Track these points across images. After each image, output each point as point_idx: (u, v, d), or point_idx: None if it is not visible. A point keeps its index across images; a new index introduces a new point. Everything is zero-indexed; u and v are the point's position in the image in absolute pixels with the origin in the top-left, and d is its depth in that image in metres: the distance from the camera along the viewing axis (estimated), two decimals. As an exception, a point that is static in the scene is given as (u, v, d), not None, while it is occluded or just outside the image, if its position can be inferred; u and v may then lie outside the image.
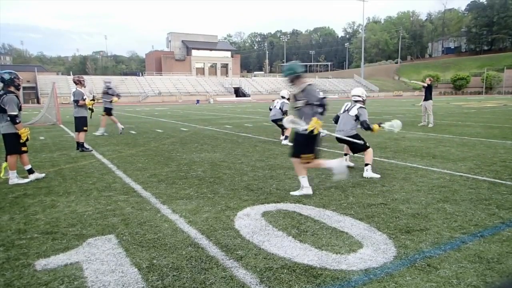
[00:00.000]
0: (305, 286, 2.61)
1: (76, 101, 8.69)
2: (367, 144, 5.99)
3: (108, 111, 12.41)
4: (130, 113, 25.30)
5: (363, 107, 6.12)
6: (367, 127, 5.89)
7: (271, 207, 4.37)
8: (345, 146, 6.38)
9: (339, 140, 6.17)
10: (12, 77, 5.64)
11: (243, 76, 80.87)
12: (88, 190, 5.22)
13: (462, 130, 12.02)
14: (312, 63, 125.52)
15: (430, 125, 13.29)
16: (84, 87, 8.98)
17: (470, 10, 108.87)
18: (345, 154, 6.54)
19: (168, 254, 3.15)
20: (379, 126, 6.02)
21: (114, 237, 3.53)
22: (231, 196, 4.85)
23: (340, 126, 6.17)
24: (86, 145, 8.87)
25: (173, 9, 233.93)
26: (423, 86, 13.91)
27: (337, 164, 4.86)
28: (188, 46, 76.76)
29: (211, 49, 79.00)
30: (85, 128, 8.70)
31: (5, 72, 5.67)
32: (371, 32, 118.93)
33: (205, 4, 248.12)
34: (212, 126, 14.72)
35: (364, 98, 6.23)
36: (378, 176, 5.77)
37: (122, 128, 12.46)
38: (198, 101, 50.30)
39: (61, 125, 15.69)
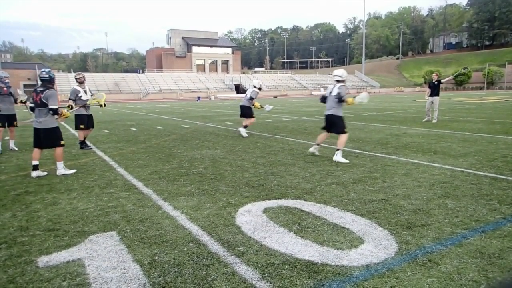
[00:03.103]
0: (307, 282, 2.62)
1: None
2: (345, 130, 6.76)
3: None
4: (131, 110, 25.31)
5: (343, 85, 6.82)
6: (340, 99, 6.66)
7: (272, 203, 4.37)
8: (322, 134, 7.08)
9: (327, 119, 6.95)
10: (54, 75, 6.26)
11: (243, 73, 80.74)
12: (90, 187, 5.23)
13: (464, 125, 12.00)
14: (313, 59, 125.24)
15: (434, 121, 13.25)
16: (80, 83, 8.51)
17: (472, 5, 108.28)
18: (317, 145, 7.22)
19: (169, 250, 3.15)
20: (353, 99, 6.86)
21: (115, 234, 3.54)
22: (232, 192, 4.85)
23: (328, 106, 6.91)
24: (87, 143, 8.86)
25: (173, 5, 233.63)
26: (435, 81, 13.66)
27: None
28: (189, 43, 76.60)
29: (211, 46, 78.84)
30: (81, 126, 8.59)
31: (49, 71, 6.18)
32: (372, 28, 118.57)
33: (205, 1, 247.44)
34: (213, 123, 14.71)
35: (343, 78, 6.87)
36: (347, 161, 6.51)
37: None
38: (199, 98, 50.26)
39: (62, 123, 15.69)
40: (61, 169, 6.12)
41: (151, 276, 2.73)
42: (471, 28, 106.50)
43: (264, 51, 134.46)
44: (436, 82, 13.50)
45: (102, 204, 4.46)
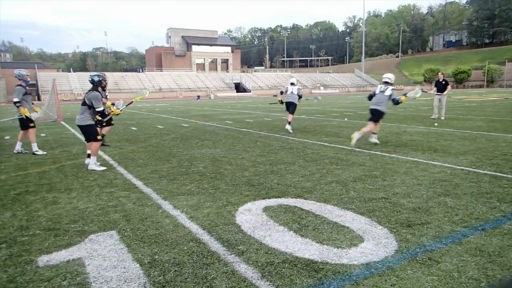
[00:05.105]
0: (306, 281, 2.62)
1: None
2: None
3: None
4: (131, 109, 25.29)
5: (394, 89, 8.12)
6: (397, 102, 8.03)
7: (272, 202, 4.37)
8: (370, 124, 8.12)
9: (373, 112, 8.16)
10: (100, 79, 6.49)
11: (243, 71, 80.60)
12: (90, 187, 5.23)
13: (463, 123, 11.99)
14: (312, 58, 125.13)
15: (442, 118, 13.51)
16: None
17: (472, 3, 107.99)
18: (373, 133, 8.28)
19: (169, 249, 3.16)
20: (405, 96, 8.19)
21: (115, 233, 3.54)
22: (232, 191, 4.85)
23: (378, 101, 8.09)
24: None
25: (172, 4, 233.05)
26: (442, 81, 13.82)
27: None
28: (188, 42, 76.49)
29: (211, 45, 78.72)
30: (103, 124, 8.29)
31: (95, 75, 6.51)
32: (371, 26, 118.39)
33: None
34: (213, 122, 14.70)
35: (392, 82, 8.20)
36: (379, 142, 8.01)
37: None
38: (198, 97, 50.23)
39: (62, 122, 15.69)
40: (92, 165, 6.31)
41: (151, 275, 2.74)
42: (471, 26, 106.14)
43: (263, 49, 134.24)
44: (443, 82, 13.67)
45: (102, 203, 4.47)
